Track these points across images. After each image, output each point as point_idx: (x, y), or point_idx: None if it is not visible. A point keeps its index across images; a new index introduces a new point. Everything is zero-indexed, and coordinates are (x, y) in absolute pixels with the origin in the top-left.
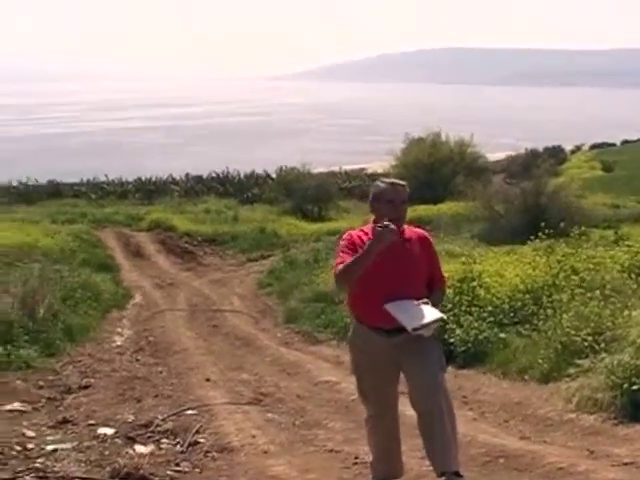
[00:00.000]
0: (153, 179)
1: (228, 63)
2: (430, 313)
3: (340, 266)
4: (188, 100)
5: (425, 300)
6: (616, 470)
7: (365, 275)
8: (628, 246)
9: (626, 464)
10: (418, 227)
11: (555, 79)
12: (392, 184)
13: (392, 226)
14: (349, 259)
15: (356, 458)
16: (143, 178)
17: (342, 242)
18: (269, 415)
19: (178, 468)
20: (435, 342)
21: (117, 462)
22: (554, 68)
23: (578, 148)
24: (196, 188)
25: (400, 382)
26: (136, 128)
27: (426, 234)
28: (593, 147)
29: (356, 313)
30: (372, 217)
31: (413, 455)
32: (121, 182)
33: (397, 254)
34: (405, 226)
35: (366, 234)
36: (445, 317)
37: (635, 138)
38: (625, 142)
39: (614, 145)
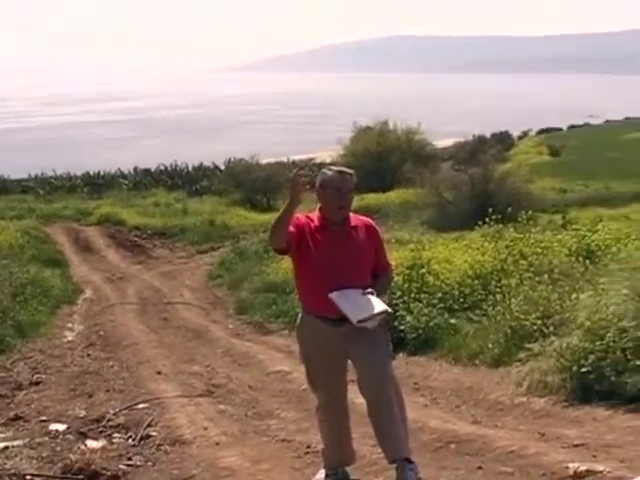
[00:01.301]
0: (102, 173)
1: (177, 55)
2: (375, 305)
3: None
4: (137, 93)
5: (370, 290)
6: (566, 452)
7: (311, 264)
8: (575, 230)
9: (576, 445)
10: (366, 215)
11: (507, 66)
12: (339, 172)
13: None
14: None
15: (308, 447)
16: (91, 172)
17: None
18: (221, 407)
19: (130, 462)
20: (382, 330)
21: (69, 458)
22: (506, 55)
23: (525, 134)
24: (145, 181)
25: (350, 370)
26: (84, 122)
27: (372, 222)
28: (540, 132)
29: (303, 302)
30: (319, 205)
31: (365, 442)
32: (69, 177)
33: (341, 242)
34: (351, 214)
35: (312, 220)
36: (390, 310)
37: (581, 123)
38: (572, 127)
39: (561, 130)
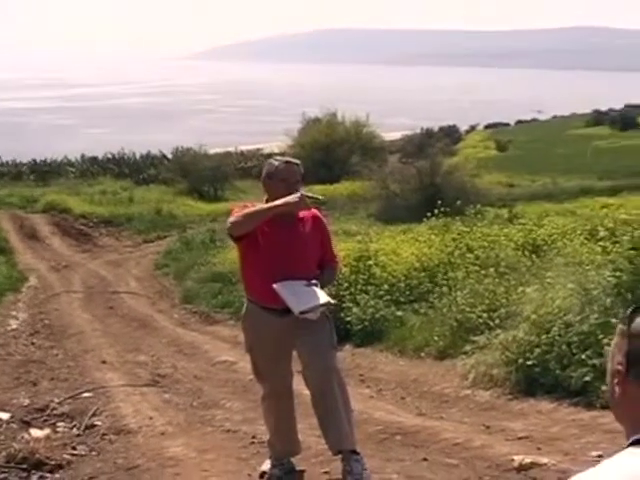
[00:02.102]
0: (48, 161)
1: (128, 44)
2: (318, 297)
3: (239, 213)
4: (86, 81)
5: (314, 282)
6: (511, 444)
7: (256, 254)
8: (522, 224)
9: (520, 438)
10: (313, 207)
11: (456, 60)
12: (286, 162)
13: (310, 199)
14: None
15: (254, 437)
16: (38, 160)
17: (236, 208)
18: (166, 396)
19: (75, 451)
20: (327, 321)
21: (12, 447)
22: (455, 49)
23: (473, 128)
24: (92, 169)
25: (297, 361)
26: (32, 109)
27: (318, 213)
28: (488, 127)
29: (248, 292)
30: (266, 196)
31: (311, 433)
32: (15, 163)
33: (288, 233)
34: None
35: None
36: (333, 302)
37: (529, 118)
38: (519, 122)
39: (508, 125)
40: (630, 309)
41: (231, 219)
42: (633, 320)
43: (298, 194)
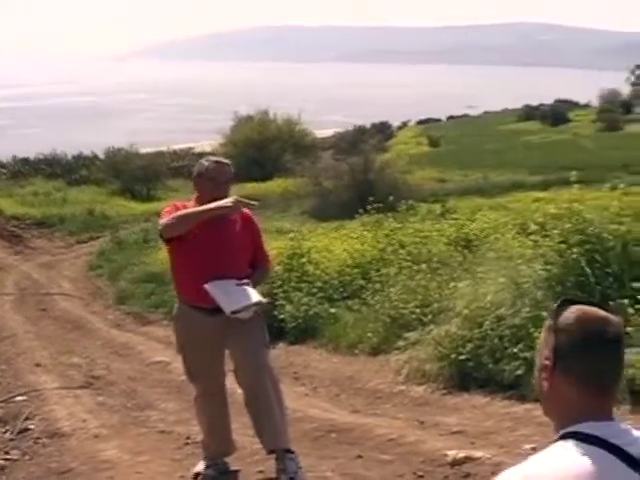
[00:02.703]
0: None
1: (54, 43)
2: (249, 296)
3: (171, 215)
4: (16, 80)
5: (246, 281)
6: (445, 439)
7: (187, 254)
8: (454, 219)
9: (454, 433)
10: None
11: (386, 57)
12: (216, 162)
13: (244, 204)
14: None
15: (188, 438)
16: None
17: (168, 208)
18: (100, 398)
19: (7, 456)
20: (259, 319)
21: None
22: (385, 46)
23: (405, 124)
24: (23, 170)
25: (228, 360)
26: None
27: (249, 213)
28: (420, 123)
29: (179, 292)
30: (195, 194)
31: (245, 433)
32: None
33: (219, 233)
34: None
35: (187, 208)
36: (264, 301)
37: (460, 114)
38: (450, 117)
39: (440, 121)
40: (557, 304)
41: (163, 221)
42: (560, 314)
43: (232, 198)
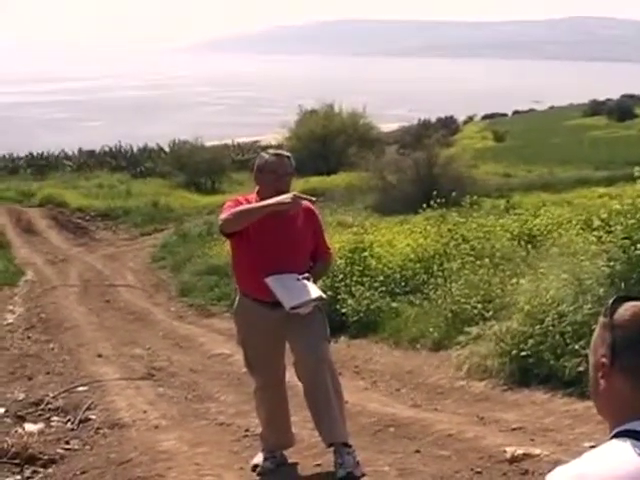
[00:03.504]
0: (45, 154)
1: (121, 37)
2: (309, 291)
3: (230, 211)
4: (81, 74)
5: (307, 275)
6: (504, 435)
7: (248, 247)
8: (518, 214)
9: (514, 429)
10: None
11: (450, 51)
12: (276, 155)
13: (303, 199)
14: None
15: (247, 430)
16: (35, 153)
17: (229, 202)
18: (161, 390)
19: (68, 446)
20: (319, 313)
21: (6, 442)
22: (450, 40)
23: (470, 118)
24: (89, 163)
25: (289, 353)
26: (25, 103)
27: (311, 206)
28: (485, 117)
29: (240, 285)
30: (257, 188)
31: (304, 426)
32: (12, 158)
33: (280, 226)
34: None
35: (250, 202)
36: (324, 296)
37: (526, 109)
38: (516, 112)
39: (506, 115)
40: (611, 300)
41: (222, 216)
42: (615, 311)
43: (291, 194)
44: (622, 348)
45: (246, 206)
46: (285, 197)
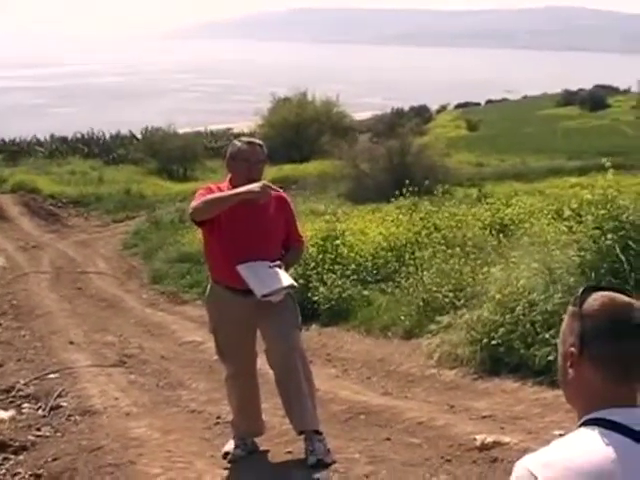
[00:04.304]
0: (17, 140)
1: (94, 24)
2: (281, 279)
3: (201, 199)
4: (53, 60)
5: (278, 263)
6: (475, 423)
7: (220, 235)
8: (490, 204)
9: (484, 417)
10: (281, 186)
11: (425, 40)
12: (249, 143)
13: (272, 189)
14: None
15: (218, 418)
16: (6, 139)
17: (201, 191)
18: (132, 377)
19: (39, 433)
20: (291, 300)
21: None
22: (425, 29)
23: (444, 107)
24: (61, 149)
25: (260, 341)
26: None
27: (283, 194)
28: (458, 107)
29: (212, 272)
30: (229, 176)
31: (275, 413)
32: None
33: (251, 214)
34: None
35: (222, 190)
36: (296, 284)
37: (499, 98)
38: (489, 102)
39: (479, 105)
40: (580, 290)
41: (193, 204)
42: (584, 301)
43: (260, 183)
44: (591, 338)
45: (216, 194)
46: (255, 186)
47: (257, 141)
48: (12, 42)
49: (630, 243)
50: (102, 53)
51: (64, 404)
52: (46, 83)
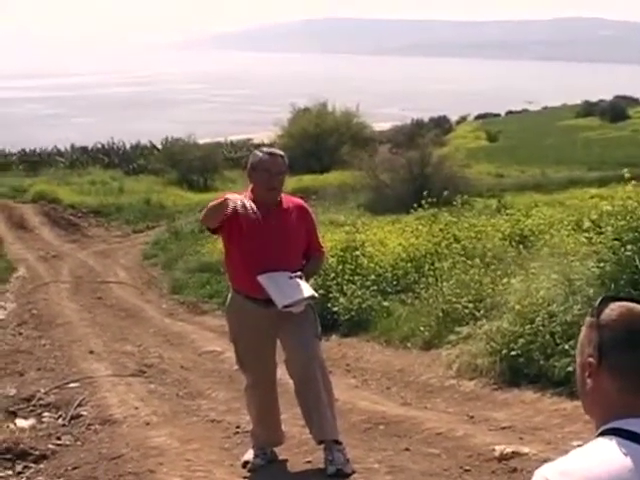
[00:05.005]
0: (37, 150)
1: (115, 30)
2: (302, 290)
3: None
4: (75, 70)
5: (299, 274)
6: (494, 434)
7: (240, 244)
8: (509, 214)
9: (503, 428)
10: (302, 197)
11: (442, 50)
12: (270, 154)
13: (252, 210)
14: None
15: (238, 427)
16: (27, 150)
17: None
18: (152, 386)
19: (59, 441)
20: (311, 310)
21: None
22: (442, 40)
23: (464, 118)
24: (81, 159)
25: (280, 351)
26: (17, 99)
27: (303, 203)
28: (478, 117)
29: (232, 282)
30: (251, 186)
31: (295, 423)
32: (4, 154)
33: (272, 224)
34: (283, 195)
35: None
36: (316, 295)
37: (519, 109)
38: (509, 112)
39: (499, 115)
40: (598, 300)
41: (204, 212)
42: (602, 311)
43: (247, 203)
44: (609, 348)
45: (213, 202)
46: (240, 203)
47: (278, 152)
48: (18, 51)
49: None
50: (120, 62)
51: (84, 413)
52: (61, 93)
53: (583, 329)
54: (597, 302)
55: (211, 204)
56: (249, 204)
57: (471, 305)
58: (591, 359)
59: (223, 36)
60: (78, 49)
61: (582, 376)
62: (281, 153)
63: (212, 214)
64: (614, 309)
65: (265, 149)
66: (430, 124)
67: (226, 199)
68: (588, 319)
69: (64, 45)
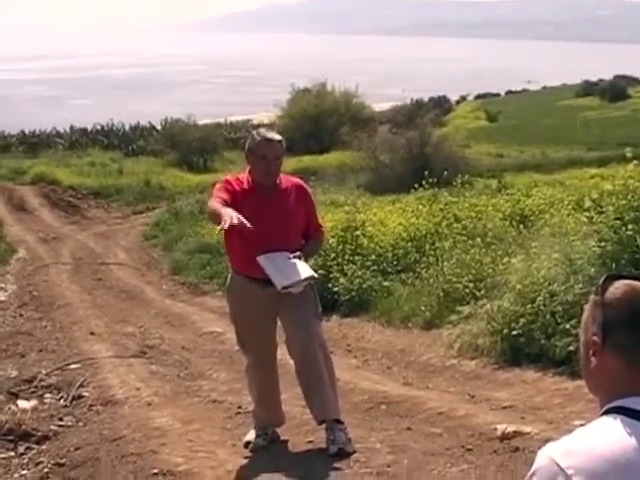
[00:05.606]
0: (37, 132)
1: (111, 15)
2: (301, 271)
3: (211, 204)
4: (70, 52)
5: (298, 254)
6: (495, 413)
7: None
8: (510, 194)
9: (505, 407)
10: (302, 177)
11: (443, 30)
12: (266, 139)
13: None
14: (220, 200)
15: (239, 408)
16: (26, 131)
17: (219, 185)
18: (153, 367)
19: (61, 422)
20: (311, 291)
21: None
22: (442, 19)
23: (463, 98)
24: (81, 141)
25: (281, 331)
26: (18, 80)
27: (302, 183)
28: (478, 97)
29: (232, 263)
30: (249, 168)
31: (296, 403)
32: (3, 135)
33: (271, 204)
34: (281, 176)
35: (241, 182)
36: (316, 275)
37: (519, 89)
38: (509, 92)
39: (498, 95)
40: (602, 278)
41: (207, 209)
42: (606, 289)
43: (234, 218)
44: (613, 326)
45: (216, 207)
46: (227, 217)
47: (276, 137)
48: (22, 33)
49: None
50: (120, 44)
51: (86, 394)
52: (61, 75)
53: (587, 307)
54: (601, 280)
55: (212, 209)
56: (243, 220)
57: (472, 285)
58: (595, 337)
59: (221, 19)
60: (78, 32)
61: (586, 355)
62: (278, 138)
63: (212, 219)
64: (618, 287)
65: (262, 132)
66: (430, 104)
67: (222, 216)
68: (592, 297)
69: (64, 29)
